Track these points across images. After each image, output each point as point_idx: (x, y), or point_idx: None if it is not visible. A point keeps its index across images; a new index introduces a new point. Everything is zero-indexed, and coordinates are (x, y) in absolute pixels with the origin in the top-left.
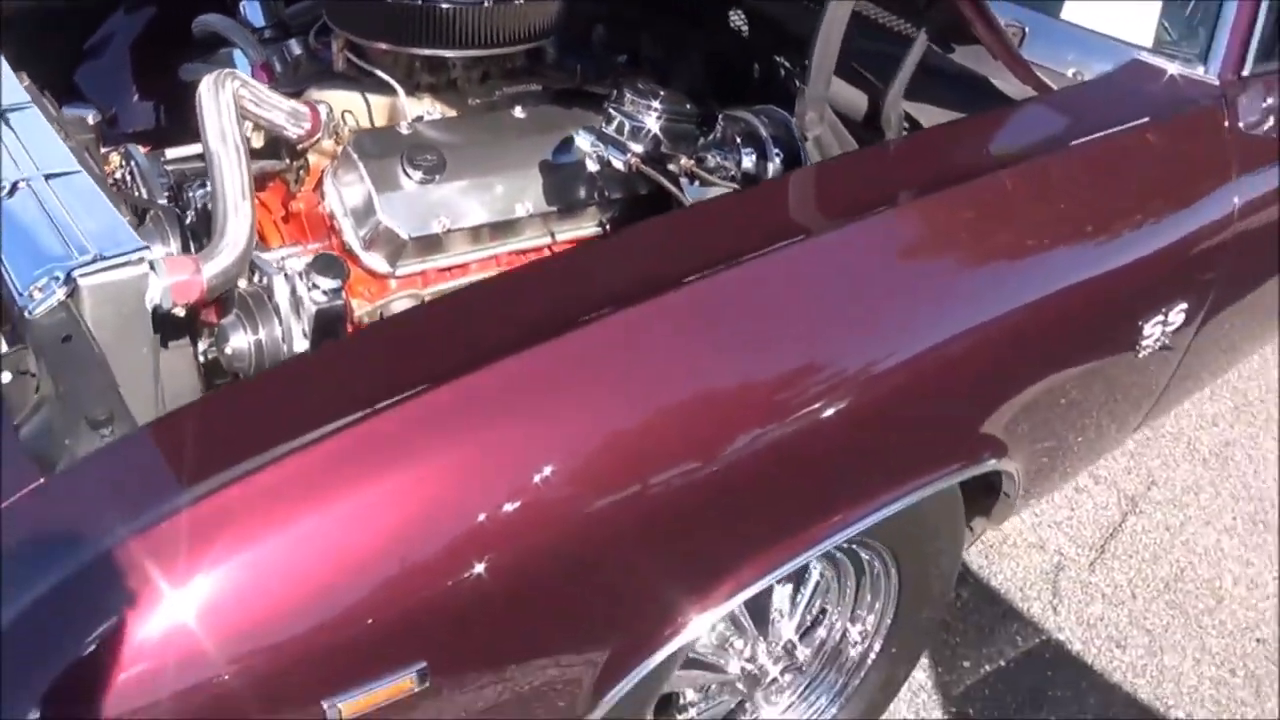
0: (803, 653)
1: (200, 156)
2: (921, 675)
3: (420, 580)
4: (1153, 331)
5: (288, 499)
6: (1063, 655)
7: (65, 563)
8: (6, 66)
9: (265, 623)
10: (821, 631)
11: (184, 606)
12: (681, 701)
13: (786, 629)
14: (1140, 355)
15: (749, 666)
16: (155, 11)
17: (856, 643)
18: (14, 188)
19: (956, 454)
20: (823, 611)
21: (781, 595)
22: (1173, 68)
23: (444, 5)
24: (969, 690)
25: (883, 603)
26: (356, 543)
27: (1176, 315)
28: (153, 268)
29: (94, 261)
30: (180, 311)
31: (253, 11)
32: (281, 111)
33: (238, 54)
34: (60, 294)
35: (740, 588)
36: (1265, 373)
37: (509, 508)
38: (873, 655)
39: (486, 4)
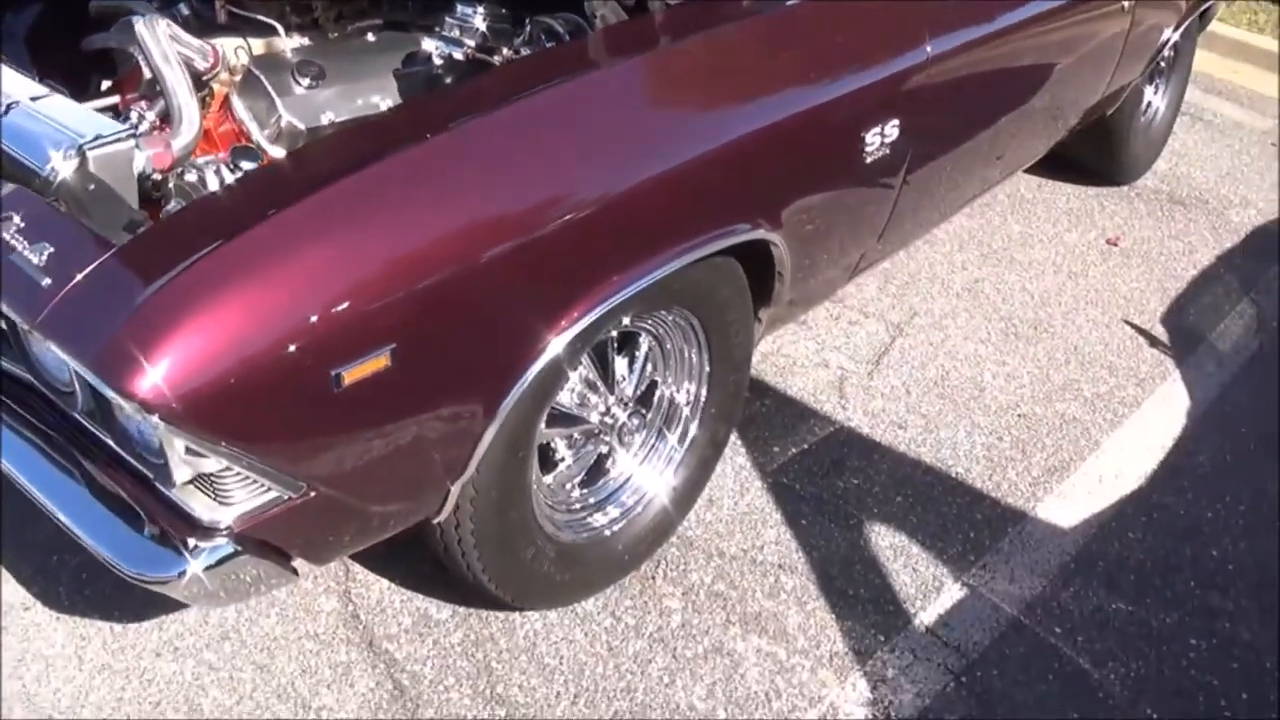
0: (646, 413)
1: (109, 108)
2: (741, 459)
3: (380, 288)
4: (874, 140)
5: (286, 247)
6: (855, 437)
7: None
8: None
9: (276, 317)
10: (658, 394)
11: (241, 310)
12: (557, 456)
13: (629, 388)
14: (869, 160)
15: (605, 418)
16: (41, 8)
17: (687, 402)
18: (9, 108)
19: (728, 222)
20: (654, 384)
21: (621, 364)
22: None
23: None
24: (781, 467)
25: (698, 367)
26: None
27: (891, 130)
28: (137, 144)
29: (96, 139)
30: (158, 177)
31: None
32: (192, 47)
33: (137, 19)
34: (75, 162)
35: (578, 319)
36: (1005, 227)
37: (396, 262)
38: (699, 411)
39: None
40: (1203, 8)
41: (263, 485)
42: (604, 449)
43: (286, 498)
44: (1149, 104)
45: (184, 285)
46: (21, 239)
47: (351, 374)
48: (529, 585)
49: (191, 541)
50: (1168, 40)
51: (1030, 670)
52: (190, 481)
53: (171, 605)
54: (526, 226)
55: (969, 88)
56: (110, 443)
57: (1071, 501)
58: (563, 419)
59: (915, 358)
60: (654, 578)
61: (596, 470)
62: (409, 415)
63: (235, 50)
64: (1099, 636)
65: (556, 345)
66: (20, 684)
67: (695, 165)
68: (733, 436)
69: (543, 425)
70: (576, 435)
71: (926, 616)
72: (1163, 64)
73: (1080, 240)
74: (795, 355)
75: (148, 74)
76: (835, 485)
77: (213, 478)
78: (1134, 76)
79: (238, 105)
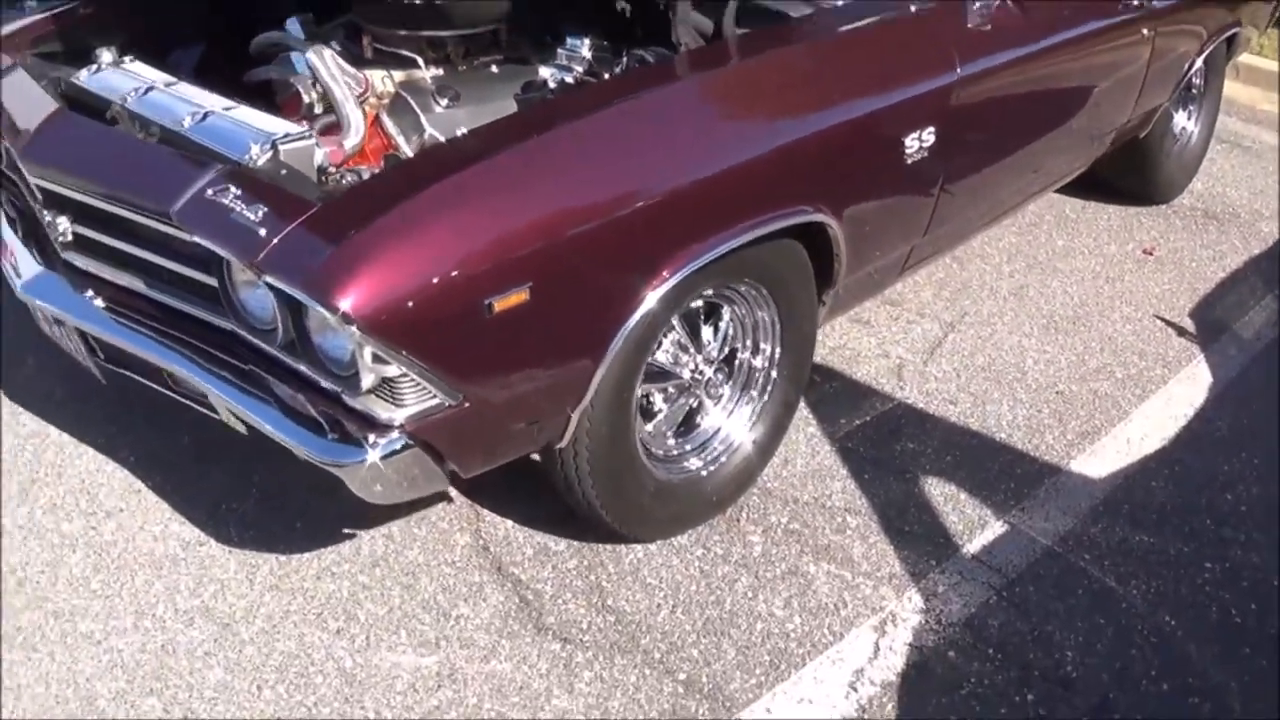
0: (728, 373)
1: None
2: (811, 429)
3: (521, 239)
4: (913, 144)
5: (451, 206)
6: (911, 412)
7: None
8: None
9: (444, 255)
10: (738, 359)
11: (419, 249)
12: (655, 408)
13: (714, 351)
14: (909, 161)
15: (695, 374)
16: (206, 46)
17: (763, 367)
18: (206, 115)
19: (790, 205)
20: (734, 350)
21: (708, 332)
22: None
23: (441, 1)
24: (847, 434)
25: (771, 335)
26: (483, 228)
27: (928, 136)
28: (316, 143)
29: (285, 135)
30: (332, 170)
31: (293, 28)
32: (348, 73)
33: (295, 56)
34: (270, 153)
35: (668, 278)
36: (1050, 242)
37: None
38: (773, 375)
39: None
40: (1226, 34)
41: (429, 392)
42: (694, 403)
43: (447, 405)
44: (1183, 129)
45: (374, 229)
46: (239, 203)
47: (499, 304)
48: (632, 514)
49: (371, 437)
50: (1192, 66)
51: (1062, 587)
52: (371, 390)
53: (328, 539)
54: (629, 201)
55: (997, 104)
56: (303, 368)
57: (1101, 459)
58: (660, 375)
59: (965, 348)
60: (738, 519)
61: (689, 422)
62: (541, 343)
63: (382, 79)
64: (1123, 562)
65: (651, 299)
66: (199, 600)
67: (763, 159)
68: (804, 410)
69: (642, 378)
70: (670, 389)
71: (972, 546)
72: (1193, 91)
73: (1119, 251)
74: (859, 349)
75: (306, 99)
76: (893, 448)
77: (391, 383)
78: (1162, 100)
79: (387, 122)
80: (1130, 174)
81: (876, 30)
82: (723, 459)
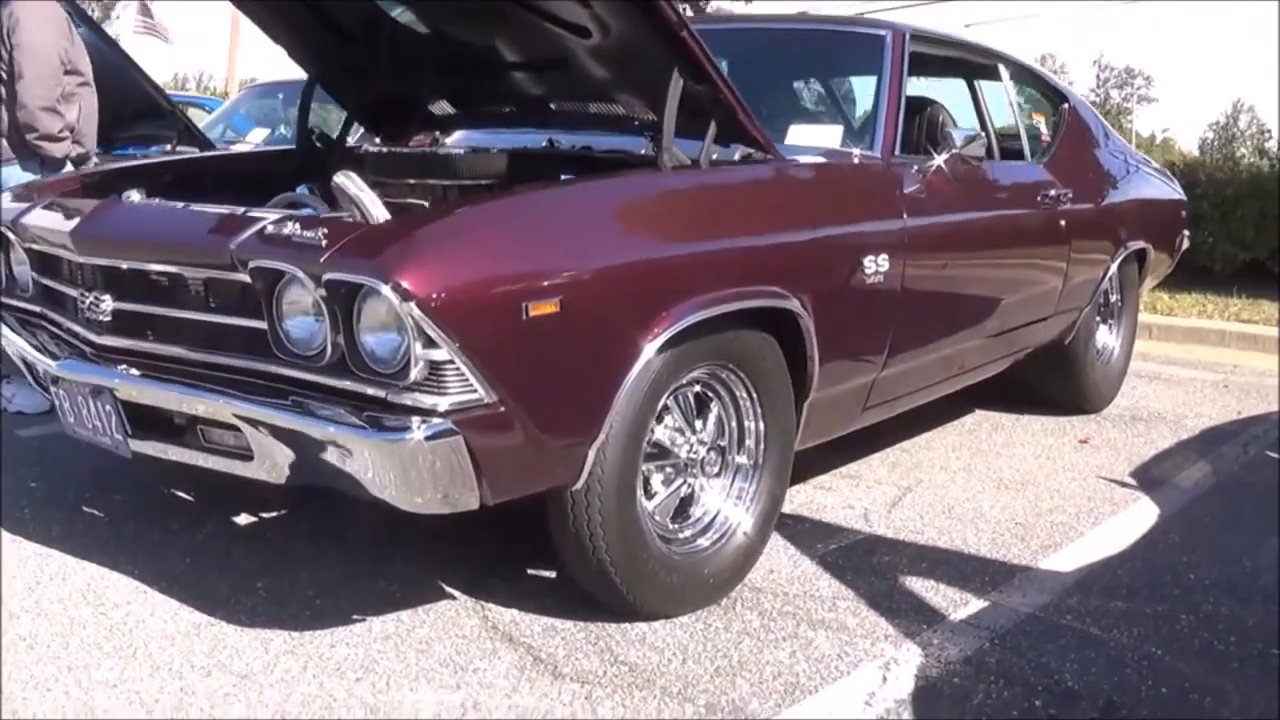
0: (719, 465)
1: None
2: (792, 550)
3: (556, 263)
4: (871, 265)
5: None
6: (881, 540)
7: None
8: None
9: (491, 259)
10: (727, 457)
11: (470, 249)
12: (653, 489)
13: (707, 435)
14: (869, 280)
15: (690, 454)
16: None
17: (749, 457)
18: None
19: (767, 284)
20: (724, 448)
21: (699, 424)
22: (855, 151)
23: (444, 152)
24: (824, 556)
25: (755, 426)
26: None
27: (883, 260)
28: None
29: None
30: None
31: (304, 190)
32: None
33: (308, 211)
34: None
35: (660, 333)
36: (990, 439)
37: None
38: (759, 463)
39: (464, 152)
40: (1135, 248)
41: (469, 384)
42: (687, 490)
43: (483, 403)
44: (1104, 344)
45: (431, 230)
46: (299, 229)
47: (534, 309)
48: (638, 575)
49: (416, 420)
50: (1107, 271)
51: (1051, 636)
52: (417, 384)
53: (339, 623)
54: (636, 255)
55: (942, 247)
56: (348, 384)
57: (1067, 558)
58: (660, 454)
59: (925, 500)
60: (734, 606)
61: (684, 510)
62: (564, 359)
63: None
64: (1104, 619)
65: (649, 349)
66: (215, 660)
67: (745, 248)
68: (781, 539)
69: (646, 446)
70: (669, 469)
71: (958, 615)
72: (1111, 304)
73: (1056, 442)
74: (825, 504)
75: None
76: (871, 560)
77: (437, 371)
78: (1082, 303)
79: None
80: (1058, 384)
81: (829, 168)
82: (720, 541)
